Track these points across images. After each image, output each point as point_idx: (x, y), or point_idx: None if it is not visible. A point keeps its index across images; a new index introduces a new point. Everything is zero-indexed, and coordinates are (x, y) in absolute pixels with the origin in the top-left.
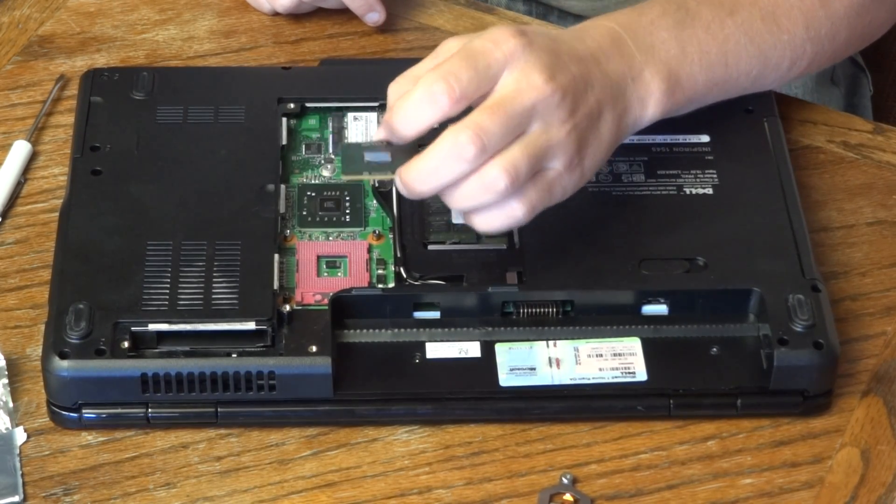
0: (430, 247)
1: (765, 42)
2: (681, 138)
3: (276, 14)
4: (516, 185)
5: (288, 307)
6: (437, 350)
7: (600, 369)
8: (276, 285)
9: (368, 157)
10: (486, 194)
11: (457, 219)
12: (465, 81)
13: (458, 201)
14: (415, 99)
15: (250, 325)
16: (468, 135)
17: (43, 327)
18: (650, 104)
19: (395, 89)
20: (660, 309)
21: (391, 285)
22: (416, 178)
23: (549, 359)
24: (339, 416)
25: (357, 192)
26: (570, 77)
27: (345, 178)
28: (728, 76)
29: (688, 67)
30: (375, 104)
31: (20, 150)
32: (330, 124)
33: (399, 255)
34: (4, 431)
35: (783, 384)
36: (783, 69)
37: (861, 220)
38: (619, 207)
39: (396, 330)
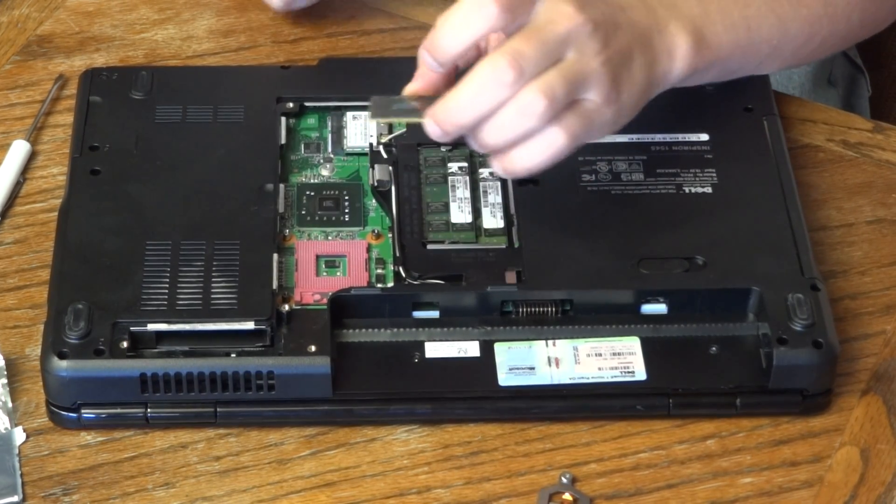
0: (430, 246)
1: (784, 13)
2: (680, 137)
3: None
4: (555, 107)
5: (287, 307)
6: (436, 350)
7: (599, 368)
8: (274, 285)
9: (397, 106)
10: (523, 120)
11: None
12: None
13: (495, 135)
14: (463, 9)
15: (249, 325)
16: (506, 59)
17: (42, 327)
18: (677, 57)
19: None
20: (659, 308)
21: (390, 285)
22: (454, 108)
23: (549, 358)
24: (338, 415)
25: (356, 191)
26: (599, 12)
27: (372, 121)
28: (750, 40)
29: (711, 26)
30: None
31: (19, 149)
32: (329, 123)
33: (398, 254)
34: (3, 431)
35: (782, 383)
36: (800, 42)
37: (860, 218)
38: (618, 206)
39: (395, 329)
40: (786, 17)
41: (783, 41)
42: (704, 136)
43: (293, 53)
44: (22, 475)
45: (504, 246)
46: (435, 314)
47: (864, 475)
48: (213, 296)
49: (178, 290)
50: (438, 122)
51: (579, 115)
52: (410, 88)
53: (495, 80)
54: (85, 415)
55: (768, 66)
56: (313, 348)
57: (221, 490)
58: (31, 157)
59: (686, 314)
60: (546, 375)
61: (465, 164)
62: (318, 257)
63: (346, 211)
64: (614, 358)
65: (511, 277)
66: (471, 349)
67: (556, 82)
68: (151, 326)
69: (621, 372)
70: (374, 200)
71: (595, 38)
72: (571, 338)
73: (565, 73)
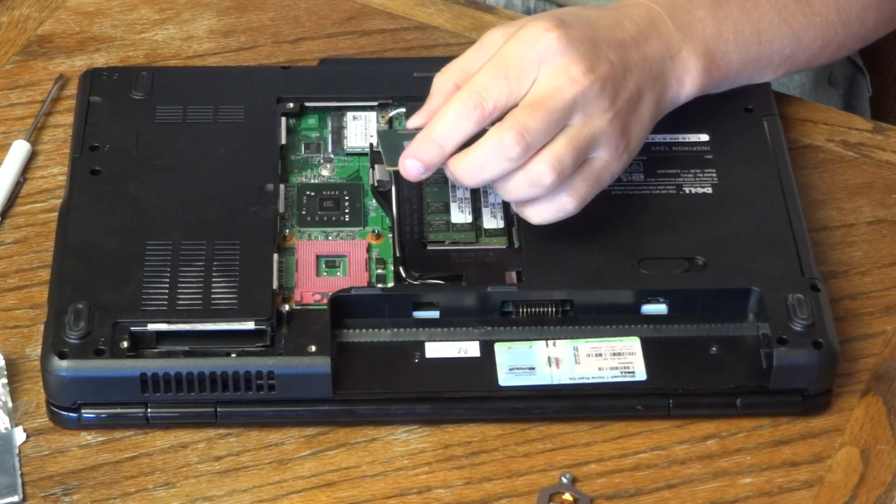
0: (430, 246)
1: (798, 23)
2: (680, 137)
3: None
4: (562, 178)
5: (287, 307)
6: (436, 350)
7: (600, 369)
8: (275, 285)
9: (405, 143)
10: (533, 188)
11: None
12: (496, 94)
13: (508, 194)
14: (447, 114)
15: (249, 325)
16: (512, 135)
17: (42, 327)
18: (687, 82)
19: (440, 80)
20: (659, 308)
21: (390, 285)
22: (465, 172)
23: (549, 358)
24: (338, 415)
25: (356, 191)
26: (608, 66)
27: (389, 169)
28: (761, 54)
29: (723, 46)
30: (375, 104)
31: (19, 149)
32: (329, 124)
33: (398, 254)
34: (4, 431)
35: (783, 383)
36: (814, 50)
37: (861, 219)
38: (618, 207)
39: (396, 329)
40: (799, 27)
41: (796, 51)
42: (704, 137)
43: (293, 54)
44: (22, 475)
45: (504, 246)
46: (435, 314)
47: (864, 475)
48: (213, 296)
49: (179, 290)
50: (454, 178)
51: (587, 178)
52: (416, 122)
53: (501, 154)
54: (85, 415)
55: (783, 72)
56: (313, 348)
57: (222, 490)
58: (32, 157)
59: (686, 314)
60: (546, 375)
61: None
62: (318, 257)
63: (347, 211)
64: (614, 358)
65: (511, 277)
66: (471, 349)
67: (564, 154)
68: (151, 326)
69: (621, 372)
70: (374, 200)
71: (603, 97)
72: (571, 338)
73: (574, 141)
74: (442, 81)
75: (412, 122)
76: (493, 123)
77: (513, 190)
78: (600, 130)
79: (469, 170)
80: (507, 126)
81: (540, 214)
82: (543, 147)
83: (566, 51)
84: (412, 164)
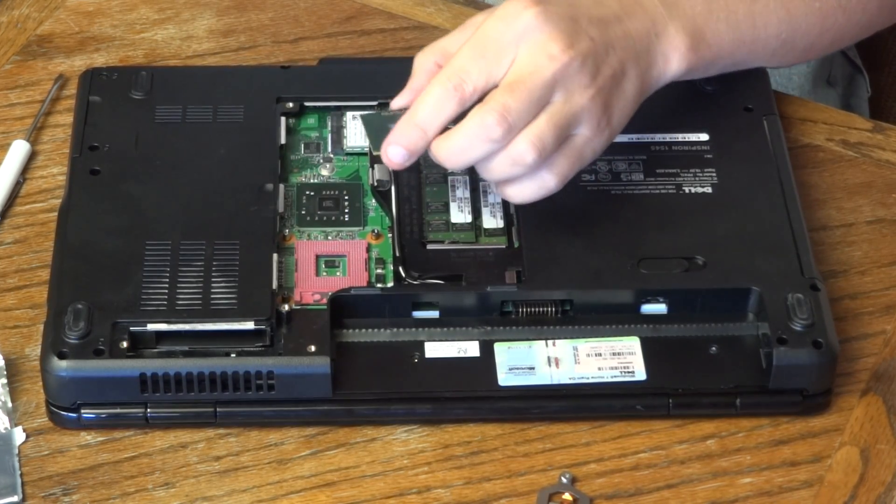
0: (429, 246)
1: (795, 7)
2: (680, 137)
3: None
4: (543, 156)
5: (287, 307)
6: (436, 349)
7: (599, 368)
8: (274, 285)
9: (391, 125)
10: (514, 167)
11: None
12: (476, 75)
13: (489, 173)
14: (427, 97)
15: (249, 325)
16: (495, 117)
17: (42, 327)
18: (674, 59)
19: (421, 59)
20: (659, 308)
21: (390, 285)
22: (447, 155)
23: (549, 358)
24: (337, 415)
25: (356, 191)
26: (588, 42)
27: (377, 152)
28: (756, 36)
29: (713, 24)
30: (374, 103)
31: (19, 149)
32: (329, 123)
33: (398, 254)
34: (3, 431)
35: (782, 383)
36: (813, 36)
37: (860, 218)
38: (618, 206)
39: (395, 329)
40: (796, 11)
41: (794, 35)
42: (704, 136)
43: (293, 53)
44: (22, 475)
45: (504, 246)
46: (435, 314)
47: (864, 475)
48: (212, 296)
49: (178, 290)
50: (437, 160)
51: (568, 155)
52: (399, 102)
53: (484, 136)
54: (85, 415)
55: (780, 58)
56: (313, 348)
57: (221, 490)
58: (31, 157)
59: (686, 314)
60: (546, 375)
61: None
62: (317, 257)
63: (346, 211)
64: (614, 358)
65: (511, 277)
66: (471, 349)
67: (545, 132)
68: (151, 326)
69: (621, 372)
70: (373, 200)
71: (583, 73)
72: (571, 338)
73: (554, 119)
74: (423, 60)
75: (396, 103)
76: (473, 104)
77: (494, 169)
78: (581, 107)
79: (452, 153)
80: (488, 108)
81: (521, 193)
82: (524, 127)
83: (545, 28)
84: (396, 152)
